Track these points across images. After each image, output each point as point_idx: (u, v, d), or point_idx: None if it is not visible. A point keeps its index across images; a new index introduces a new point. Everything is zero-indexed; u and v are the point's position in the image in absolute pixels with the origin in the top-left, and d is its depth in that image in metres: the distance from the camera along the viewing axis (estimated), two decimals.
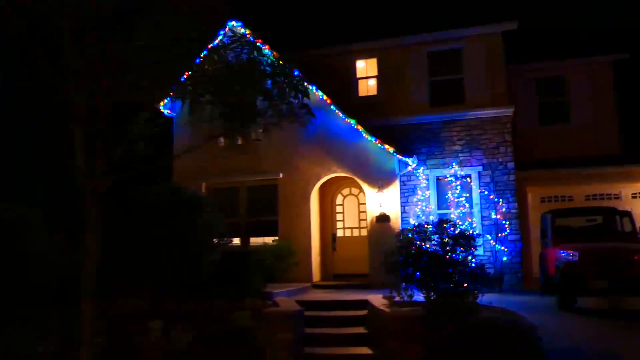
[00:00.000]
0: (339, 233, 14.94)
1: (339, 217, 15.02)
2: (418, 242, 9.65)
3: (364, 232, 14.47)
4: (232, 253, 11.45)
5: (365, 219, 14.38)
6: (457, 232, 9.76)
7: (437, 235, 9.54)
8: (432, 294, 9.30)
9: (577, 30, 16.72)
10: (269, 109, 8.31)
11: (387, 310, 8.78)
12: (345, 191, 15.01)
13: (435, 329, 8.04)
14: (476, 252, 9.96)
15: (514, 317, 8.80)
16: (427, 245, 9.47)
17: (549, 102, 16.08)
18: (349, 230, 14.89)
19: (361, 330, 9.71)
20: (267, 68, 8.19)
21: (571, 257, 10.04)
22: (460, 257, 9.31)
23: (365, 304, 10.55)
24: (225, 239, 10.93)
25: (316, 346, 9.06)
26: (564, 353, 7.65)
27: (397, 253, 9.63)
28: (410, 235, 9.81)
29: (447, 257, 9.24)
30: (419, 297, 9.72)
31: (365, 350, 8.91)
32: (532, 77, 16.11)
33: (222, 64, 8.19)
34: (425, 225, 10.55)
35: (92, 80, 6.17)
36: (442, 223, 9.70)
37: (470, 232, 10.01)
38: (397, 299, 9.60)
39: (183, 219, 9.53)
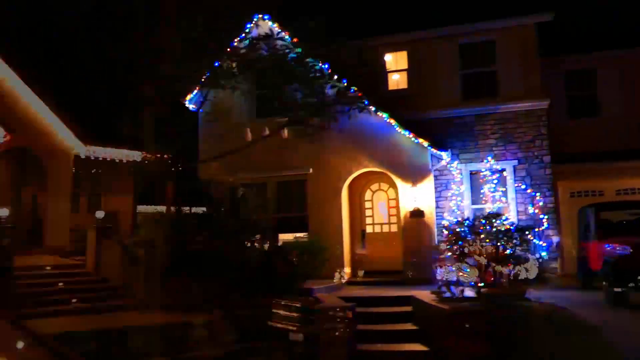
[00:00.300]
0: (368, 229, 14.70)
1: (367, 212, 14.77)
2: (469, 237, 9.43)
3: (394, 228, 14.25)
4: (272, 249, 11.22)
5: (395, 215, 14.16)
6: (501, 225, 9.57)
7: (487, 229, 9.30)
8: (483, 288, 9.08)
9: (605, 22, 16.45)
10: (337, 97, 8.12)
11: (442, 306, 8.55)
12: (374, 186, 14.76)
13: (496, 324, 7.83)
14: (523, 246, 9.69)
15: (570, 313, 8.60)
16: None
17: (578, 96, 15.82)
18: (379, 226, 14.64)
19: (410, 326, 9.50)
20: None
21: (621, 251, 9.83)
22: (512, 250, 9.08)
23: (408, 300, 10.38)
24: (267, 235, 10.68)
25: (367, 342, 8.83)
26: (634, 350, 7.35)
27: (447, 247, 9.39)
28: (459, 229, 9.58)
29: (500, 251, 9.01)
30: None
31: (419, 347, 8.69)
32: (561, 70, 15.84)
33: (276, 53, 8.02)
34: (461, 220, 10.36)
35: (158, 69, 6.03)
36: (490, 217, 9.47)
37: (506, 225, 9.82)
38: (447, 294, 9.38)
39: (233, 214, 9.31)
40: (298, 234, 13.82)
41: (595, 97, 15.65)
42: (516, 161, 13.53)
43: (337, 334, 7.88)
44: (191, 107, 15.43)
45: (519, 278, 9.39)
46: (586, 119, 15.63)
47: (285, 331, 8.23)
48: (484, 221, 9.50)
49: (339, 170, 13.89)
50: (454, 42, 14.33)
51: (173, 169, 10.67)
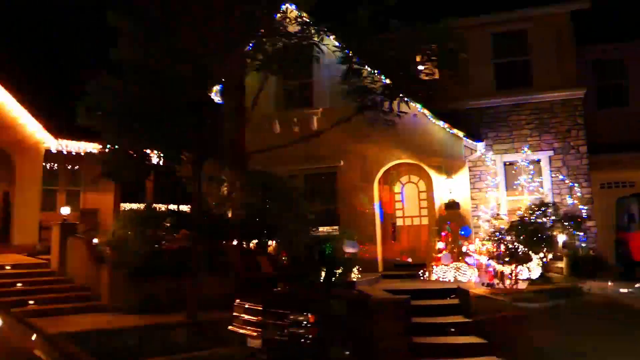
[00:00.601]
0: (398, 222, 14.48)
1: (397, 205, 14.55)
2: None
3: (425, 221, 14.03)
4: (313, 242, 10.98)
5: (426, 207, 13.96)
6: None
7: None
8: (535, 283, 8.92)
9: (635, 11, 16.20)
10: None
11: (505, 299, 8.36)
12: (404, 179, 14.53)
13: (561, 315, 7.66)
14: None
15: (628, 303, 8.44)
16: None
17: (606, 85, 15.60)
18: (409, 219, 14.42)
19: (460, 318, 9.30)
20: None
21: None
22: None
23: (453, 292, 10.21)
24: (313, 227, 10.45)
25: (421, 335, 8.63)
26: None
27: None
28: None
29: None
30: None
31: (475, 339, 8.49)
32: (589, 60, 15.63)
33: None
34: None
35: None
36: (542, 206, 9.30)
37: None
38: (500, 286, 9.19)
39: (281, 206, 9.07)
40: (328, 228, 13.61)
41: (624, 87, 15.43)
42: (552, 151, 13.34)
43: (388, 325, 7.66)
44: (217, 99, 15.18)
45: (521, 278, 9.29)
46: (615, 109, 15.40)
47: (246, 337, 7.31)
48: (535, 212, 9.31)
49: (370, 163, 13.68)
50: (487, 31, 14.10)
51: (137, 163, 9.67)
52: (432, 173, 13.25)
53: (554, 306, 8.23)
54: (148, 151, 9.48)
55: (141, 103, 8.04)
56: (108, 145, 8.94)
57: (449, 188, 12.95)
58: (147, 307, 9.02)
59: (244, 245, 11.22)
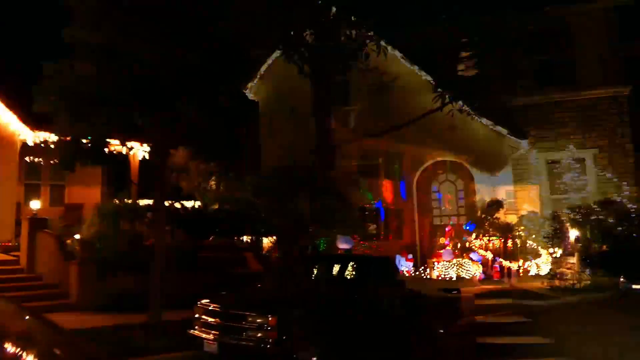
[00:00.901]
0: (435, 221, 14.24)
1: (434, 204, 14.31)
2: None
3: (462, 220, 13.77)
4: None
5: (464, 206, 13.71)
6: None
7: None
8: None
9: None
10: None
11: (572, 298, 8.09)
12: (441, 177, 14.30)
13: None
14: None
15: None
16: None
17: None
18: (446, 218, 14.18)
19: (520, 318, 9.00)
20: None
21: None
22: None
23: (506, 292, 9.94)
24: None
25: (483, 335, 8.34)
26: None
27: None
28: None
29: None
30: None
31: (539, 339, 8.19)
32: (628, 57, 15.29)
33: None
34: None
35: None
36: (609, 204, 9.05)
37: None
38: (558, 284, 8.93)
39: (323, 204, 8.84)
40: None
41: None
42: (597, 149, 13.06)
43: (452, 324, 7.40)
44: (251, 96, 15.06)
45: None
46: None
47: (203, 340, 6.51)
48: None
49: (410, 161, 13.49)
50: (530, 28, 13.77)
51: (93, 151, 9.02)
52: (474, 171, 13.02)
53: (617, 303, 7.92)
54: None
55: (97, 86, 7.41)
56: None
57: (492, 186, 12.71)
58: (117, 306, 8.50)
59: (235, 241, 10.91)
